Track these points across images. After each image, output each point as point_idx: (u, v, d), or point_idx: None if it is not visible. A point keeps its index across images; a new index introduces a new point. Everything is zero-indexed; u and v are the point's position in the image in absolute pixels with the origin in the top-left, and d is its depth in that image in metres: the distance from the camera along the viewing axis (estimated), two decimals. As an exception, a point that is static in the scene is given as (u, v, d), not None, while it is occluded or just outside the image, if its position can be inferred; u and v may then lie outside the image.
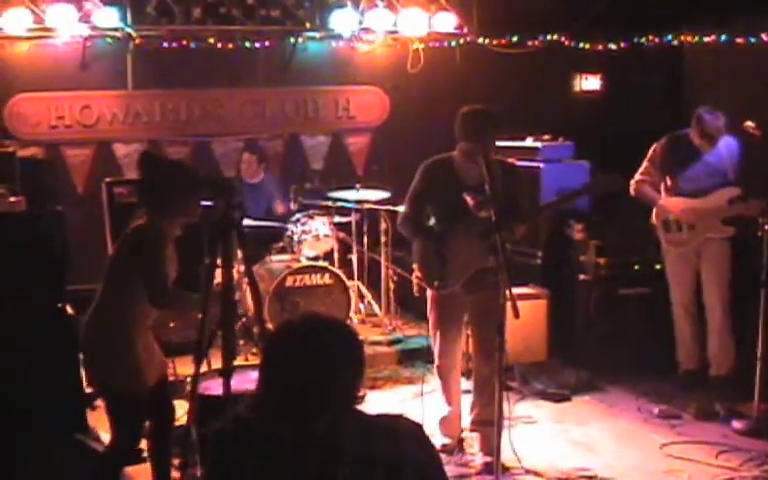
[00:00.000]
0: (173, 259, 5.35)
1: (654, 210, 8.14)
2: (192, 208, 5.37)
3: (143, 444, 5.65)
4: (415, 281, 6.83)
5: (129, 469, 5.87)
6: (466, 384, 7.17)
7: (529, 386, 8.19)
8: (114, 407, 5.40)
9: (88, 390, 6.38)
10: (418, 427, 3.10)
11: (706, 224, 7.86)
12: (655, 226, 8.19)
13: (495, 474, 5.76)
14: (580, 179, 9.01)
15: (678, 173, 7.96)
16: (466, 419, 6.97)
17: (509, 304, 5.49)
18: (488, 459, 6.42)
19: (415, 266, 6.80)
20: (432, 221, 6.60)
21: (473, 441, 6.93)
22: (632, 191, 8.14)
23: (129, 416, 5.36)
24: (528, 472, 6.54)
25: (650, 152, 8.14)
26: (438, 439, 6.79)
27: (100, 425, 6.36)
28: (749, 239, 7.59)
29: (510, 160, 7.20)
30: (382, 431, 2.99)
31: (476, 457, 6.73)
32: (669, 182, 8.02)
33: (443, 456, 6.53)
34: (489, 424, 6.13)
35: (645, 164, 8.14)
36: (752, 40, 9.59)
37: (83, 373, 5.64)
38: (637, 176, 8.13)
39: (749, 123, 7.24)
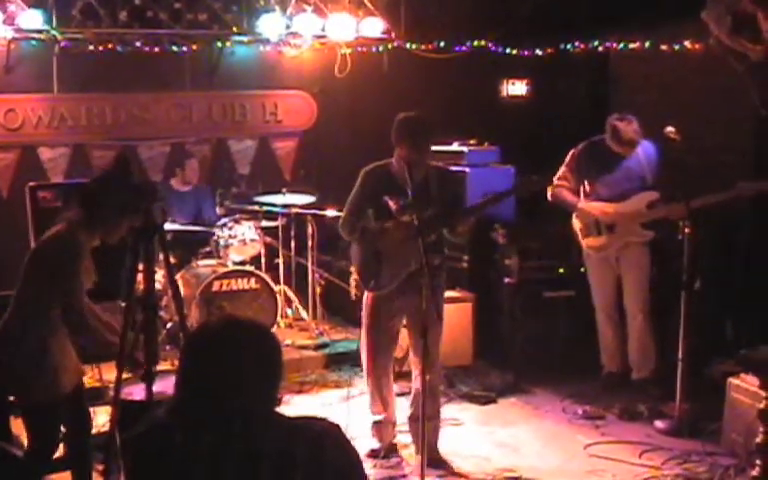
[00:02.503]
0: (90, 269, 5.29)
1: (574, 215, 8.22)
2: (121, 230, 5.32)
3: (62, 451, 5.59)
4: (353, 283, 6.85)
5: (53, 477, 5.82)
6: (396, 388, 7.17)
7: (455, 389, 8.26)
8: (31, 415, 5.34)
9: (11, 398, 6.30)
10: (337, 428, 3.11)
11: (625, 228, 7.95)
12: (575, 231, 8.28)
13: (421, 472, 5.81)
14: (505, 183, 9.14)
15: (596, 178, 8.05)
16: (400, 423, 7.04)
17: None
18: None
19: (353, 268, 6.82)
20: (372, 225, 6.64)
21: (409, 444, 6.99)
22: (550, 196, 8.19)
23: (46, 424, 5.30)
24: (454, 473, 6.60)
25: (568, 157, 8.21)
26: (368, 443, 6.83)
27: (23, 432, 6.28)
28: (669, 242, 7.69)
29: (444, 165, 7.27)
30: (301, 433, 3.00)
31: (411, 460, 6.79)
32: (588, 187, 8.10)
33: (371, 460, 6.60)
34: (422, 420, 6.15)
35: (563, 169, 8.20)
36: (676, 47, 9.71)
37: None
38: (555, 181, 8.18)
39: (670, 128, 7.33)
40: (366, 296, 6.79)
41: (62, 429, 5.53)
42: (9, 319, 5.30)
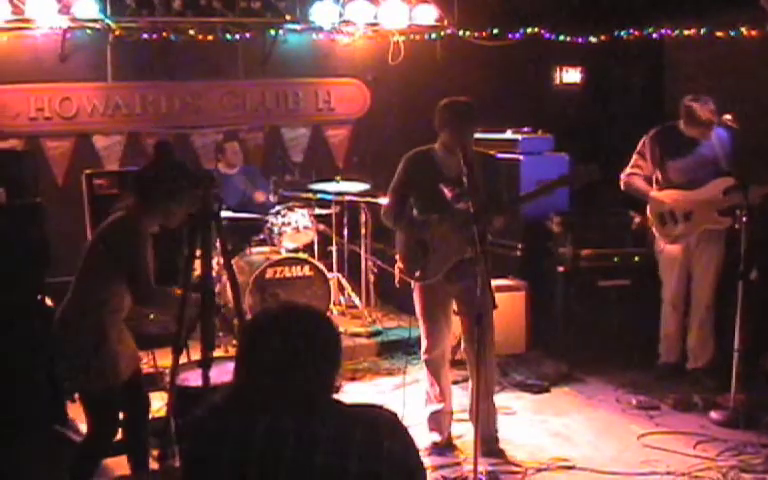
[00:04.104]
0: (151, 255, 5.32)
1: (648, 204, 8.04)
2: (178, 215, 5.34)
3: (119, 436, 5.63)
4: (397, 272, 6.80)
5: (108, 460, 5.87)
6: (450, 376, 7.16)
7: (509, 377, 8.24)
8: (90, 401, 5.38)
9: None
10: (394, 416, 3.10)
11: (702, 216, 7.74)
12: (650, 221, 8.07)
13: (474, 461, 5.79)
14: (559, 171, 9.00)
15: (669, 165, 7.86)
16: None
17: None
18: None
19: (397, 257, 6.79)
20: (415, 212, 6.61)
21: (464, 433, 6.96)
22: (623, 186, 8.06)
23: (105, 410, 5.34)
24: (508, 462, 6.57)
25: (639, 145, 8.05)
26: (428, 436, 6.81)
27: (79, 416, 6.34)
28: (727, 231, 7.61)
29: (491, 152, 7.19)
30: (358, 420, 3.00)
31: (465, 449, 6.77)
32: (659, 175, 7.95)
33: (434, 455, 6.59)
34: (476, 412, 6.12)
35: (634, 157, 8.04)
36: (732, 33, 9.61)
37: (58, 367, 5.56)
38: (627, 170, 8.04)
39: (727, 116, 7.24)
40: (414, 286, 6.75)
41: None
42: (68, 306, 5.34)
